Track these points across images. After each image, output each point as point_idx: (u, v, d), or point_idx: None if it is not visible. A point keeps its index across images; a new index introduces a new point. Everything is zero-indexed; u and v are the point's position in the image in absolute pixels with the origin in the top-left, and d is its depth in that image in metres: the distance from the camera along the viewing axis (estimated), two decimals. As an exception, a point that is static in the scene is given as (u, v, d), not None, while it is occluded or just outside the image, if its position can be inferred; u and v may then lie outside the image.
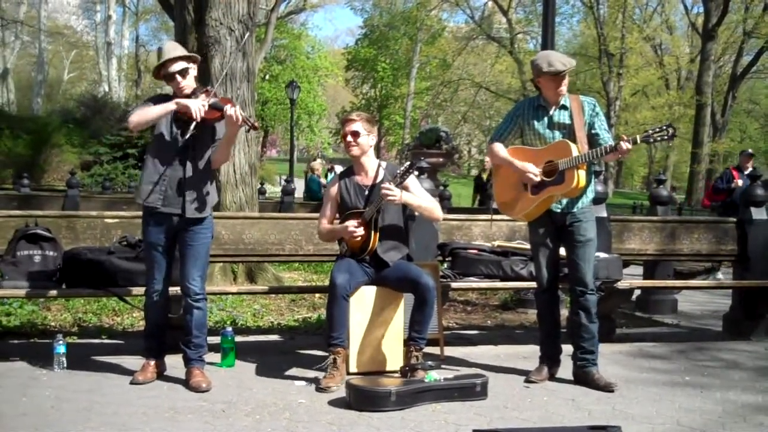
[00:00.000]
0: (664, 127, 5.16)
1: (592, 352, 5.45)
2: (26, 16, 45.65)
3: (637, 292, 8.50)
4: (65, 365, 5.43)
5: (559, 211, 5.40)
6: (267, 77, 50.22)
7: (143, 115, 5.09)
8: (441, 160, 17.73)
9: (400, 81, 56.38)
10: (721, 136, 40.25)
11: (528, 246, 6.41)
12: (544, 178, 5.29)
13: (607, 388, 5.26)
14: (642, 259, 8.08)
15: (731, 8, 36.42)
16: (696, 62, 40.32)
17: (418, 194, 5.56)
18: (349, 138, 5.54)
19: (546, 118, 5.41)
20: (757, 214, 7.52)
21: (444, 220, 7.22)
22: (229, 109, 5.01)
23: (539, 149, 5.39)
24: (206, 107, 5.00)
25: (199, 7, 8.88)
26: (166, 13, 12.36)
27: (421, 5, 43.95)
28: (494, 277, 6.46)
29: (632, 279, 7.20)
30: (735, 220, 7.70)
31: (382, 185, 5.35)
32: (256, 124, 5.33)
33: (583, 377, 5.42)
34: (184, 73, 5.17)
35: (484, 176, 17.77)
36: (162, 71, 5.21)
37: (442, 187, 14.49)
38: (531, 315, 8.25)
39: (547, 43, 8.93)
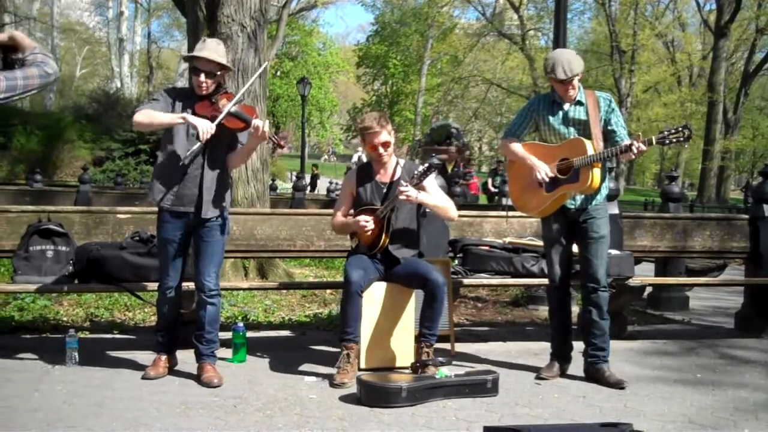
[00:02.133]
0: (680, 128, 5.08)
1: (603, 349, 5.44)
2: (39, 13, 45.88)
3: (649, 289, 8.48)
4: (77, 360, 5.45)
5: (573, 207, 5.39)
6: (278, 73, 50.31)
7: (150, 118, 5.05)
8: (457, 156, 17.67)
9: (411, 77, 56.45)
10: (733, 133, 40.14)
11: (539, 242, 6.41)
12: (558, 176, 5.29)
13: (617, 385, 5.26)
14: (654, 256, 8.04)
15: (744, 5, 36.31)
16: (708, 59, 40.24)
17: (434, 194, 5.57)
18: (381, 150, 5.53)
19: (561, 114, 5.39)
20: (770, 211, 7.49)
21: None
22: (257, 123, 5.02)
23: (554, 146, 5.38)
24: (212, 132, 4.96)
25: (211, 3, 8.87)
26: (178, 9, 12.35)
27: (432, 2, 43.90)
28: (505, 273, 6.45)
29: (644, 276, 7.17)
30: (747, 217, 7.67)
31: (399, 185, 5.36)
32: (282, 142, 5.31)
33: (594, 374, 5.41)
34: (210, 75, 5.15)
35: (450, 168, 17.52)
36: (192, 62, 5.19)
37: (453, 184, 14.45)
38: (542, 312, 8.24)
39: (559, 39, 8.90)
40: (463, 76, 43.93)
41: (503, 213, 7.26)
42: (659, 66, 45.25)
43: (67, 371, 5.33)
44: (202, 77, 5.12)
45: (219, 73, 5.21)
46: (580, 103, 5.37)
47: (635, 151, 5.09)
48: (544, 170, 5.29)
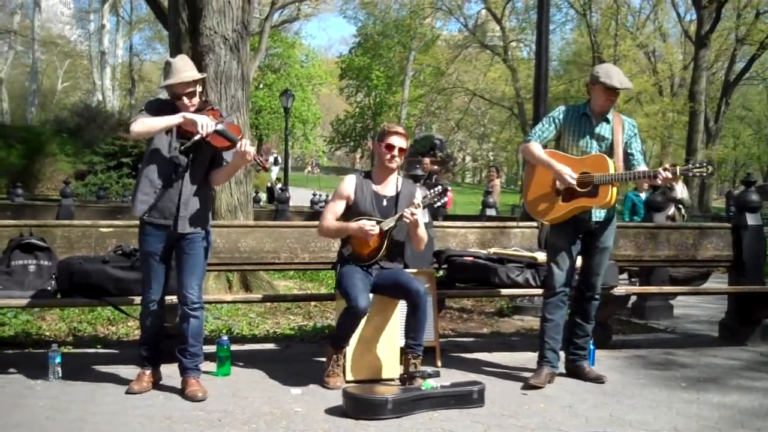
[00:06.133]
0: (705, 164, 5.32)
1: (584, 349, 5.80)
2: (20, 26, 45.58)
3: (633, 298, 8.50)
4: (60, 375, 5.41)
5: (588, 218, 5.52)
6: (261, 86, 50.24)
7: (148, 125, 5.01)
8: (436, 167, 17.73)
9: (394, 89, 56.49)
10: (714, 142, 40.36)
11: (524, 253, 6.48)
12: (577, 188, 5.38)
13: (597, 380, 5.60)
14: (638, 265, 8.07)
15: (724, 15, 36.53)
16: (689, 69, 40.40)
17: (421, 221, 5.61)
18: (395, 152, 5.57)
19: (588, 128, 5.52)
20: (752, 219, 7.53)
21: (439, 227, 7.24)
22: (243, 145, 5.00)
23: (576, 158, 5.48)
24: (212, 128, 4.95)
25: (193, 16, 8.87)
26: (160, 22, 12.37)
27: (414, 14, 44.02)
28: (490, 284, 6.45)
29: (628, 285, 7.19)
30: (730, 225, 7.72)
31: (411, 209, 5.38)
32: (266, 165, 5.28)
33: (575, 370, 5.74)
34: (191, 95, 5.12)
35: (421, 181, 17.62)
36: (170, 90, 5.13)
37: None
38: (527, 322, 8.26)
39: (541, 50, 8.95)
40: (445, 87, 44.02)
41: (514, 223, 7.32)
42: (641, 76, 45.39)
43: (50, 386, 5.28)
44: (185, 100, 5.09)
45: (197, 88, 5.17)
46: (607, 120, 5.53)
47: (661, 178, 5.24)
48: (568, 174, 5.37)
